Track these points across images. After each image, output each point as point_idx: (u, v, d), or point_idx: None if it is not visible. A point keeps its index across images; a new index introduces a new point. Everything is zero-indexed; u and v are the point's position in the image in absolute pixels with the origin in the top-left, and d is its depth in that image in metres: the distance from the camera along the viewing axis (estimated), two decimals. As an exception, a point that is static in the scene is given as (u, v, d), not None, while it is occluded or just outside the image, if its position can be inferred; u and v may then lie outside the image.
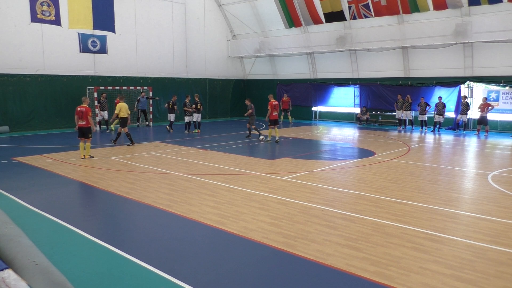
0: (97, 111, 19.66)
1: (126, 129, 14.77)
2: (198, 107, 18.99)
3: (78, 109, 12.07)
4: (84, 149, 12.23)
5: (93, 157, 12.40)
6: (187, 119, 18.94)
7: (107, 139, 16.58)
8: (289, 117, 24.71)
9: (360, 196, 8.25)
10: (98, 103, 19.64)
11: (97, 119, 19.54)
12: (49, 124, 19.95)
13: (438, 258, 5.21)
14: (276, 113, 15.91)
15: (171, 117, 19.79)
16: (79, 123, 12.00)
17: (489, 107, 18.34)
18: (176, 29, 25.13)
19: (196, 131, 19.03)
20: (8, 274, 3.59)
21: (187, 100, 18.95)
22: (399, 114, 21.24)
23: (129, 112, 14.98)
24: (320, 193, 8.45)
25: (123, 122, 14.74)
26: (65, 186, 9.12)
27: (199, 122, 19.17)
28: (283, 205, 7.55)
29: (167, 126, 19.77)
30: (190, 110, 18.73)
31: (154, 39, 24.00)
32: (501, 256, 5.29)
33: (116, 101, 15.39)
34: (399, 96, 21.16)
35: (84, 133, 12.07)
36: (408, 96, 20.71)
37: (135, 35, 23.15)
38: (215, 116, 27.39)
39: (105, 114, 19.68)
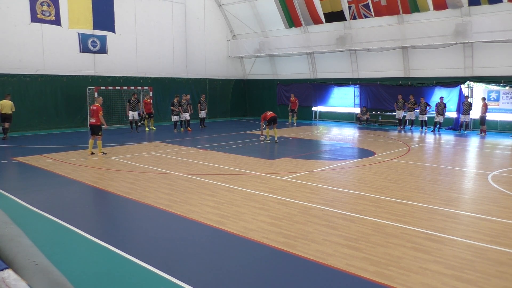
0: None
1: (6, 124, 16.41)
2: (185, 106, 19.89)
3: (91, 107, 12.98)
4: (94, 146, 12.97)
5: (105, 153, 12.94)
6: (174, 118, 19.61)
7: (136, 138, 17.02)
8: (294, 118, 24.03)
9: (360, 196, 8.25)
10: (128, 103, 19.50)
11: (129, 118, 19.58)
12: (49, 124, 19.94)
13: (438, 258, 5.21)
14: (271, 112, 15.87)
15: (187, 115, 20.34)
16: (90, 121, 12.85)
17: (486, 107, 18.45)
18: (176, 29, 25.13)
19: (188, 129, 19.85)
20: (8, 274, 3.58)
21: (175, 100, 19.62)
22: (399, 114, 21.24)
23: (14, 109, 16.60)
24: (320, 193, 8.45)
25: (4, 117, 16.32)
26: (65, 186, 9.12)
27: (188, 121, 20.07)
28: (283, 205, 7.55)
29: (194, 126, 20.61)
30: (177, 110, 19.52)
31: (154, 39, 24.00)
32: (501, 256, 5.29)
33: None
34: (399, 96, 21.15)
35: (94, 130, 12.75)
36: (412, 96, 20.70)
37: (135, 35, 23.15)
38: (215, 116, 27.38)
39: (136, 114, 19.51)
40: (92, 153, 12.85)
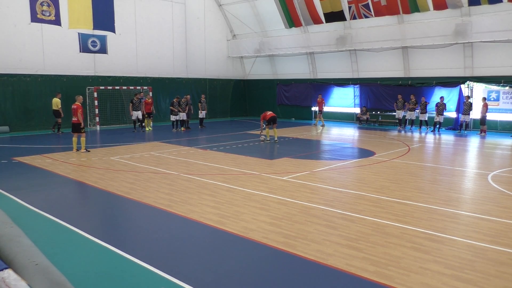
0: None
1: (59, 120, 18.43)
2: (184, 107, 20.20)
3: (72, 106, 13.41)
4: (78, 143, 13.44)
5: (89, 151, 13.38)
6: (173, 118, 19.98)
7: (136, 138, 17.05)
8: (321, 118, 22.74)
9: (360, 196, 8.25)
10: (131, 102, 19.57)
11: (132, 118, 19.76)
12: (49, 124, 19.92)
13: (438, 258, 5.21)
14: (271, 112, 15.94)
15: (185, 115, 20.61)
16: (72, 119, 13.25)
17: (486, 107, 18.47)
18: (176, 29, 25.13)
19: (182, 129, 20.17)
20: (8, 274, 3.59)
21: (175, 100, 19.88)
22: (399, 114, 21.23)
23: (59, 106, 18.37)
24: (320, 193, 8.45)
25: (53, 113, 18.46)
26: (65, 186, 9.12)
27: (183, 120, 20.38)
28: (283, 205, 7.55)
29: (183, 127, 20.45)
30: (176, 110, 19.83)
31: (154, 39, 24.00)
32: (501, 256, 5.29)
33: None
34: (399, 96, 21.15)
35: (76, 128, 13.20)
36: (413, 95, 20.69)
37: (135, 35, 23.15)
38: (215, 116, 27.39)
39: (139, 114, 19.57)
40: (77, 150, 13.34)
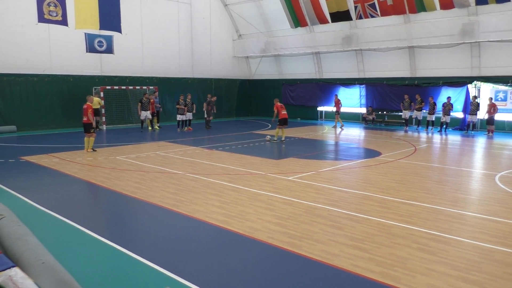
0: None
1: (97, 118, 18.51)
2: (190, 106, 20.28)
3: (83, 106, 13.45)
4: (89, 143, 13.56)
5: (95, 150, 13.45)
6: (179, 117, 19.97)
7: (142, 138, 17.19)
8: (340, 120, 21.99)
9: (366, 196, 8.22)
10: (140, 102, 19.70)
11: (141, 118, 19.89)
12: (55, 123, 20.08)
13: (444, 259, 5.18)
14: (285, 112, 15.85)
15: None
16: (83, 119, 13.31)
17: (495, 108, 18.27)
18: (182, 29, 25.20)
19: (186, 128, 20.14)
20: (16, 272, 3.62)
21: (180, 99, 19.90)
22: (405, 114, 21.12)
23: (101, 104, 19.75)
24: (325, 193, 8.43)
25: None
26: (71, 185, 9.18)
27: (189, 120, 20.40)
28: (288, 205, 7.54)
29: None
30: (183, 107, 19.85)
31: (160, 39, 24.07)
32: (508, 258, 5.25)
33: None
34: (406, 96, 21.04)
35: (86, 128, 13.25)
36: (418, 95, 20.58)
37: (141, 35, 23.24)
38: (221, 116, 27.37)
39: (148, 113, 19.69)
40: (87, 150, 13.38)
